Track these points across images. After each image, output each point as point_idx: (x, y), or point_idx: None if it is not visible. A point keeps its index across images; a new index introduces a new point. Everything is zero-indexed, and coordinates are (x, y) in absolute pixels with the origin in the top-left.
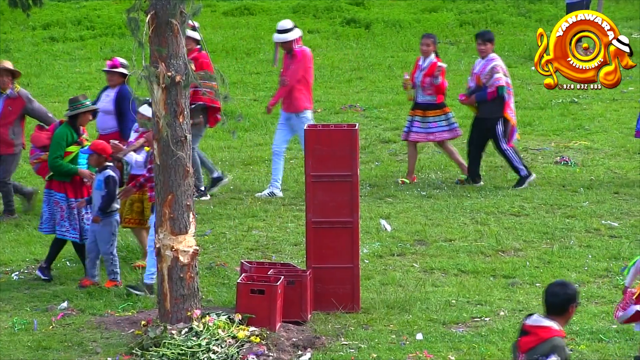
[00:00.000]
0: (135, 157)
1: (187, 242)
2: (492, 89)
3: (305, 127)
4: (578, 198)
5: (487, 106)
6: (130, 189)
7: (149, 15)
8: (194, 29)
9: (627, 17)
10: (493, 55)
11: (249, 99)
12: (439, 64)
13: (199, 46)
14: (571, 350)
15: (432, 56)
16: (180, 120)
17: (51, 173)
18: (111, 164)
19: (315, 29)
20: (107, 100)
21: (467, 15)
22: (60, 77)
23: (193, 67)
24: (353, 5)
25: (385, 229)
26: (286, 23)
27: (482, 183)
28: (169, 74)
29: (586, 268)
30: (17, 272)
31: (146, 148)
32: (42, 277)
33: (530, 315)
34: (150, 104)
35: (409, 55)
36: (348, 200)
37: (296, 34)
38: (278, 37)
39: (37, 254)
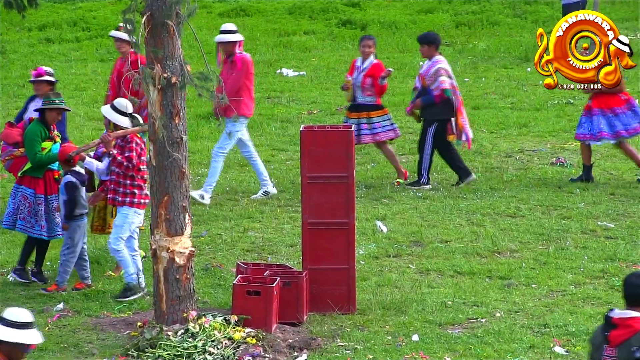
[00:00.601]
0: (97, 164)
1: (183, 244)
2: (437, 92)
3: (301, 128)
4: (574, 199)
5: (432, 108)
6: (99, 194)
7: (144, 17)
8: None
9: (623, 18)
10: (438, 57)
11: None
12: (388, 70)
13: (132, 49)
14: (567, 352)
15: (372, 57)
16: (176, 121)
17: (24, 169)
18: (76, 168)
19: (311, 30)
20: None
21: (462, 17)
22: (56, 78)
23: (189, 68)
24: (349, 7)
25: (381, 230)
26: (230, 25)
27: (474, 176)
28: (165, 75)
29: (582, 269)
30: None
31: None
32: (39, 282)
33: (611, 310)
34: (112, 106)
35: (405, 56)
36: (344, 201)
37: (239, 37)
38: (220, 37)
39: (33, 255)
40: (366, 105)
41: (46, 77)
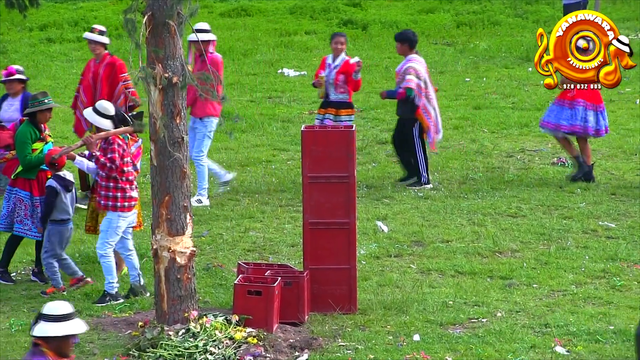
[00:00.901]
0: (87, 164)
1: (184, 243)
2: (401, 90)
3: (302, 128)
4: (575, 199)
5: (405, 106)
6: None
7: (145, 17)
8: (101, 33)
9: (624, 17)
10: (412, 55)
11: (245, 100)
12: (355, 59)
13: (107, 51)
14: (568, 352)
15: (344, 54)
16: (177, 121)
17: (17, 171)
18: (61, 173)
19: (312, 30)
20: (12, 109)
21: (464, 17)
22: (57, 78)
23: (191, 68)
24: (350, 7)
25: (382, 230)
26: (203, 25)
27: (430, 185)
28: (166, 75)
29: (583, 269)
30: (14, 274)
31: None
32: (40, 282)
33: None
34: (94, 109)
35: None
36: (345, 201)
37: (212, 37)
38: (193, 36)
39: (34, 255)
40: (338, 102)
41: (17, 76)
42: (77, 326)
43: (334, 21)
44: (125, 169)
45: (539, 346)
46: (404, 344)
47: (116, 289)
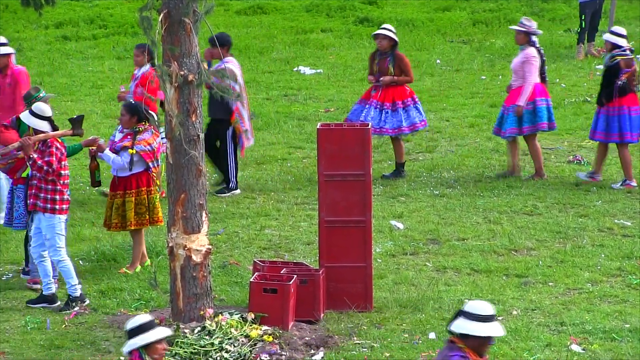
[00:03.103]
0: (113, 157)
1: (200, 241)
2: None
3: (318, 126)
4: (591, 197)
5: (218, 108)
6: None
7: (161, 14)
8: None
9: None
10: (229, 58)
11: (261, 98)
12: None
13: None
14: (584, 350)
15: (147, 66)
16: (193, 119)
17: (23, 171)
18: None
19: (328, 27)
20: None
21: (480, 14)
22: (73, 76)
23: (206, 66)
24: (366, 4)
25: (398, 228)
26: (1, 38)
27: (238, 191)
28: (182, 72)
29: (599, 267)
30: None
31: (131, 150)
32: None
33: None
34: (32, 112)
35: (422, 54)
36: (361, 199)
37: (9, 50)
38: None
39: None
40: None
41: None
42: (496, 329)
43: (350, 19)
44: (62, 172)
45: (555, 344)
46: (420, 342)
47: (80, 291)
